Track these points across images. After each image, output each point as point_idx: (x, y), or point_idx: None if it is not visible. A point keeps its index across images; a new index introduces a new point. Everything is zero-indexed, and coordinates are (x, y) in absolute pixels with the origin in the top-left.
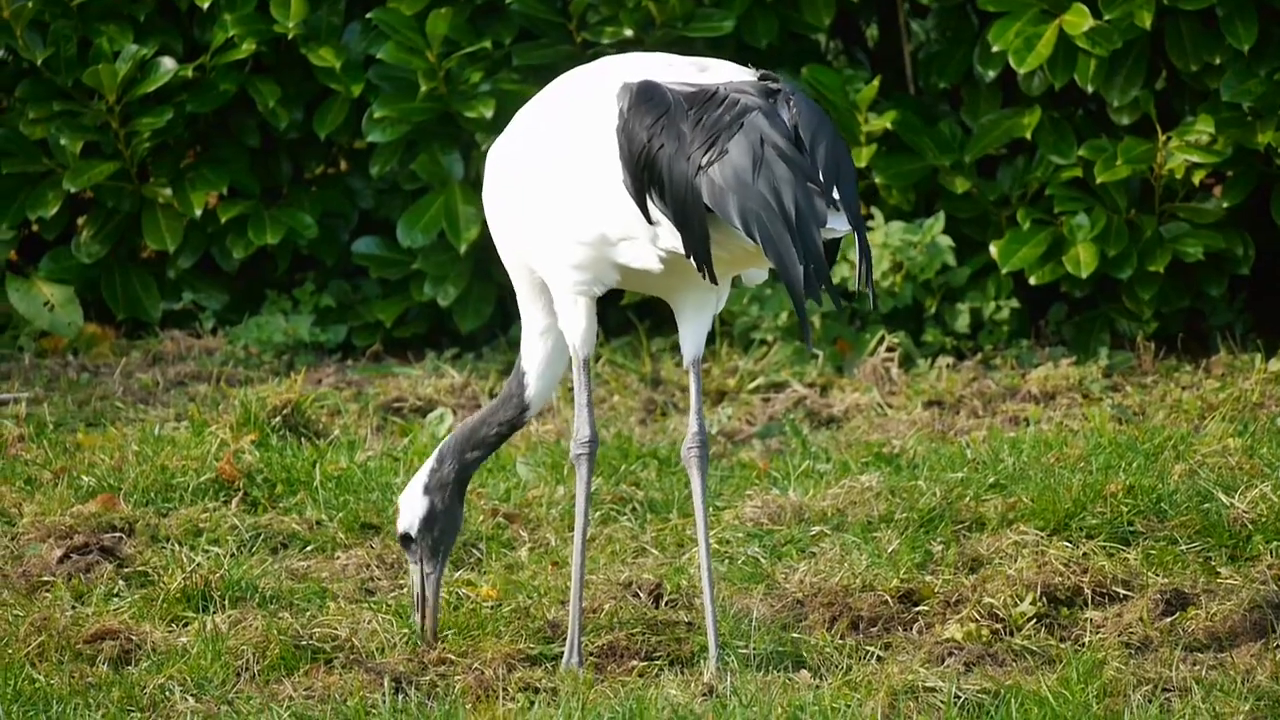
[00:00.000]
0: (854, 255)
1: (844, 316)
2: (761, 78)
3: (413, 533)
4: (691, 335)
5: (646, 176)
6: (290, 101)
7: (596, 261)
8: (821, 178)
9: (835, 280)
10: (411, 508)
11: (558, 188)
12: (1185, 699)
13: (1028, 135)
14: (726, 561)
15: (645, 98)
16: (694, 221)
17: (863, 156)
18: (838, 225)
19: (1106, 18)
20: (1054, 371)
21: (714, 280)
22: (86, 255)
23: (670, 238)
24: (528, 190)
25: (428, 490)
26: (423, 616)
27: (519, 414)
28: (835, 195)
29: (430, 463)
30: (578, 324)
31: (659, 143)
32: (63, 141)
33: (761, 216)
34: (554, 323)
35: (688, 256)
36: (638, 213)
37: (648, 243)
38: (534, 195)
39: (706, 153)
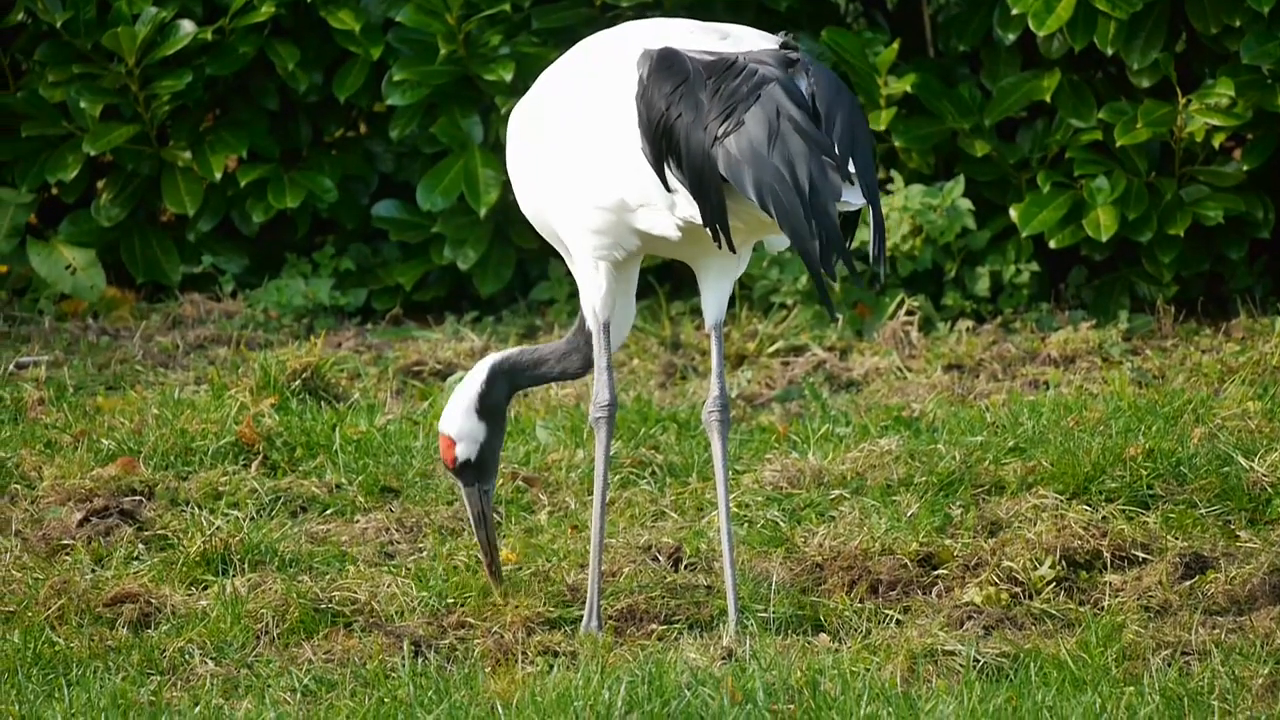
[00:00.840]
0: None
1: (864, 280)
2: (783, 45)
3: (473, 459)
4: (713, 299)
5: (664, 145)
6: (310, 64)
7: (615, 227)
8: (837, 150)
9: (855, 244)
10: (471, 435)
11: (578, 152)
12: (1204, 662)
13: (1047, 98)
14: (746, 525)
15: (665, 65)
16: (710, 192)
17: (882, 120)
18: (852, 199)
19: None
20: (1074, 335)
21: (732, 249)
22: (106, 218)
23: (688, 206)
24: (548, 154)
25: (481, 414)
26: (489, 532)
27: (581, 369)
28: (851, 168)
29: (478, 385)
30: (598, 288)
31: (677, 111)
32: (82, 104)
33: (776, 189)
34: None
35: (705, 226)
36: (656, 180)
37: (666, 210)
38: (554, 159)
39: (723, 123)
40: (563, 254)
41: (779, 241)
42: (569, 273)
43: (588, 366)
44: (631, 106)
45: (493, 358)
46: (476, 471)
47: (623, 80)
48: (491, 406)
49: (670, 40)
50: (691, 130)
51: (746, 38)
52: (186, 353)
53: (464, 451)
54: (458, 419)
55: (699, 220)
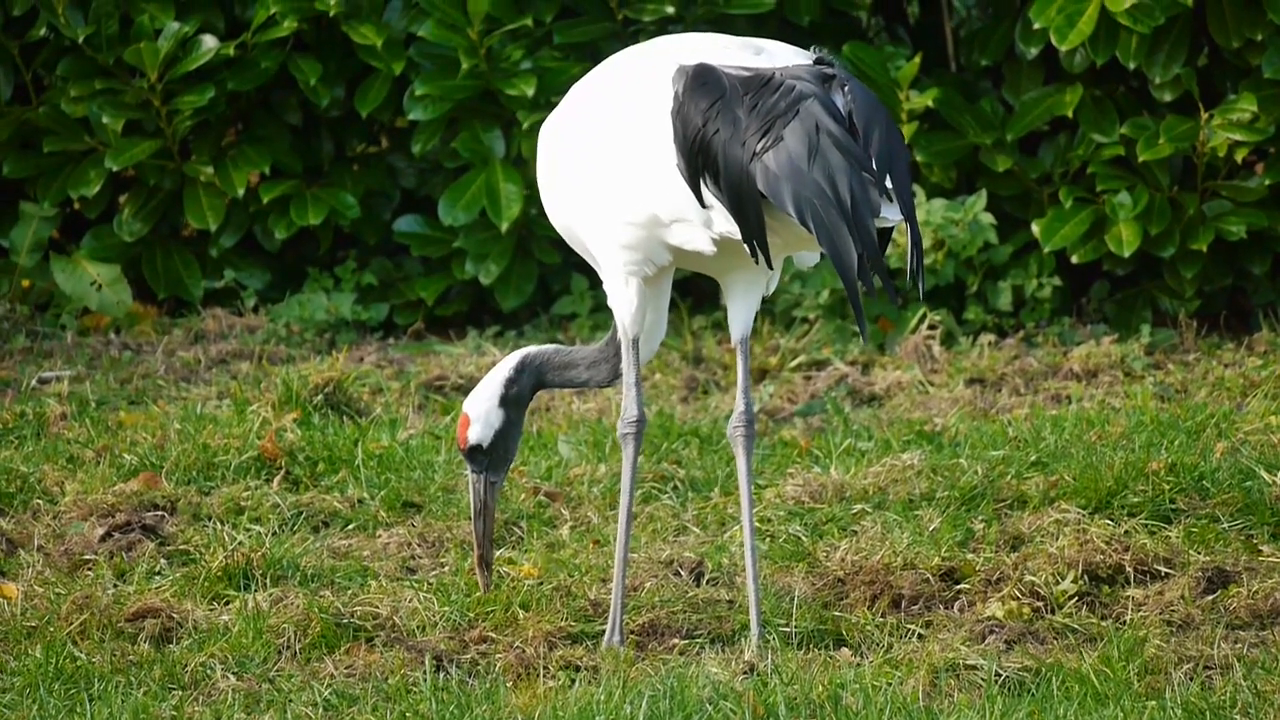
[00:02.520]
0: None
1: (900, 298)
2: (817, 61)
3: (485, 444)
4: (740, 314)
5: (701, 161)
6: (331, 80)
7: (647, 242)
8: (875, 166)
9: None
10: (488, 420)
11: (610, 168)
12: (1227, 677)
13: (1069, 113)
14: (768, 540)
15: (701, 81)
16: (748, 208)
17: (904, 134)
18: (890, 215)
19: None
20: (1096, 349)
21: (769, 265)
22: (128, 234)
23: (724, 222)
24: (579, 169)
25: (504, 403)
26: (486, 524)
27: (608, 379)
28: (888, 184)
29: (507, 372)
30: (628, 303)
31: (714, 128)
32: (104, 120)
33: (815, 205)
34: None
35: (743, 242)
36: (691, 196)
37: (701, 226)
38: (586, 174)
39: (761, 139)
40: (595, 268)
41: (809, 257)
42: (591, 288)
43: (614, 377)
44: (666, 122)
45: (526, 350)
46: (486, 458)
47: (657, 96)
48: (515, 398)
49: (704, 56)
50: (729, 146)
51: (780, 53)
52: (208, 368)
53: (477, 434)
54: (480, 401)
55: (735, 236)
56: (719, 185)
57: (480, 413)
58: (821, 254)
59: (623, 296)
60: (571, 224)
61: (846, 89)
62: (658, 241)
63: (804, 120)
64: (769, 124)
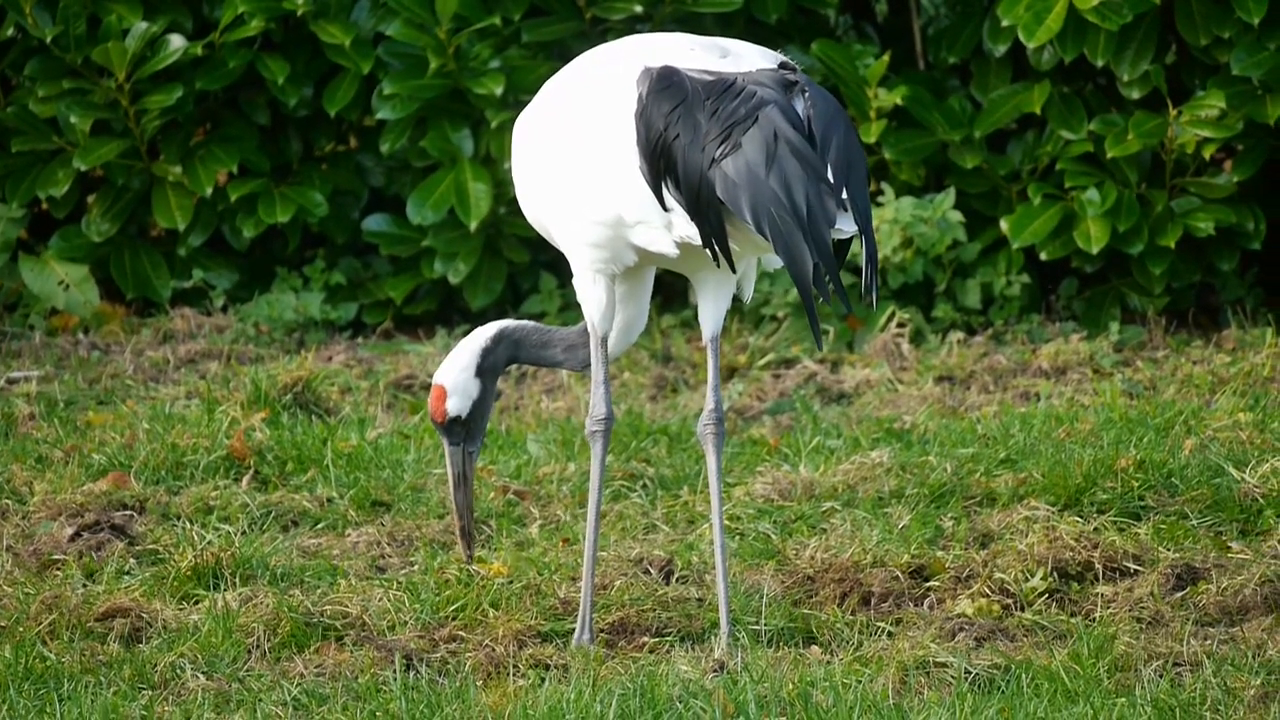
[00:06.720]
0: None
1: (855, 291)
2: (780, 66)
3: (464, 415)
4: (711, 313)
5: (662, 165)
6: (300, 79)
7: (614, 241)
8: (831, 176)
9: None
10: (465, 391)
11: (577, 167)
12: (1196, 673)
13: (1038, 110)
14: (737, 538)
15: (664, 84)
16: (708, 212)
17: (872, 132)
18: (846, 226)
19: None
20: (1065, 346)
21: (732, 269)
22: (96, 233)
23: (685, 225)
24: (548, 166)
25: (480, 372)
26: (466, 495)
27: (580, 366)
28: (844, 195)
29: (483, 342)
30: (596, 301)
31: (675, 132)
32: (72, 119)
33: (772, 213)
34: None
35: (704, 246)
36: (653, 199)
37: (663, 229)
38: (554, 172)
39: (721, 145)
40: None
41: (775, 260)
42: (560, 286)
43: (588, 364)
44: (630, 124)
45: (504, 322)
46: (464, 430)
47: (622, 97)
48: (490, 367)
49: (670, 57)
50: (689, 152)
51: (746, 55)
52: (177, 367)
53: (455, 406)
54: (455, 372)
55: (696, 240)
56: (679, 190)
57: (458, 383)
58: None
59: (591, 294)
60: (542, 219)
61: (807, 95)
62: (623, 242)
63: (763, 128)
64: (728, 130)
